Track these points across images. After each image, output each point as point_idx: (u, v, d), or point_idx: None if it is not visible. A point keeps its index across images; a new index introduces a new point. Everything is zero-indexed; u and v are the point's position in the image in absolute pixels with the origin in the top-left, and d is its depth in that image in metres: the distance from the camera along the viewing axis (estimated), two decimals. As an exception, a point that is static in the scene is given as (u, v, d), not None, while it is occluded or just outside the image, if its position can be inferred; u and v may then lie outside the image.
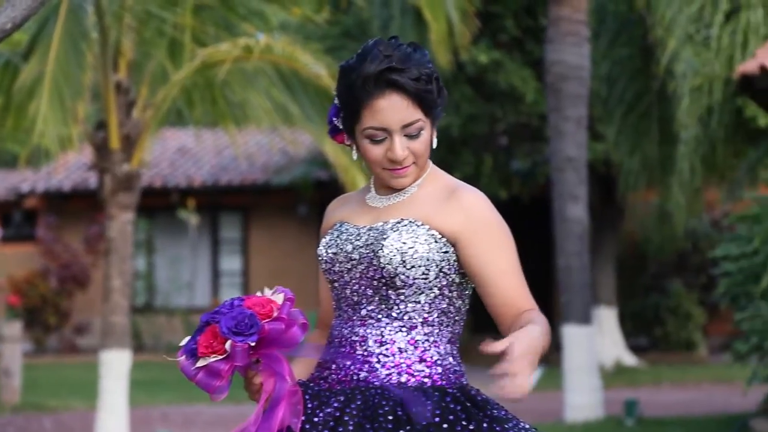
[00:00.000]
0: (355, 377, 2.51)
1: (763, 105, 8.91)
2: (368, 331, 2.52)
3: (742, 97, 9.18)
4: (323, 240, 2.62)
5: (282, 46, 8.28)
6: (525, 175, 16.20)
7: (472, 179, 16.86)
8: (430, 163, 2.62)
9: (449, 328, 2.55)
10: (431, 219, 2.52)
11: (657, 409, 11.23)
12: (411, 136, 2.52)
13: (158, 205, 19.82)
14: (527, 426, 2.47)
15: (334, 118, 2.61)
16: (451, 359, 2.54)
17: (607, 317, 16.25)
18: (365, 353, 2.51)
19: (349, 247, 2.55)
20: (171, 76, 8.30)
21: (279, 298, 2.50)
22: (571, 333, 10.67)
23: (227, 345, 2.43)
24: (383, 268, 2.49)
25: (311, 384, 2.57)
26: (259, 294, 2.53)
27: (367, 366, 2.51)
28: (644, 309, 17.46)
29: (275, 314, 2.47)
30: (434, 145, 2.60)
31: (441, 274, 2.51)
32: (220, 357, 2.44)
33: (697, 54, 10.02)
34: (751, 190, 11.08)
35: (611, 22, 13.02)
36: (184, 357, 2.48)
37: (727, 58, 9.73)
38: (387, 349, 2.51)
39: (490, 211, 2.53)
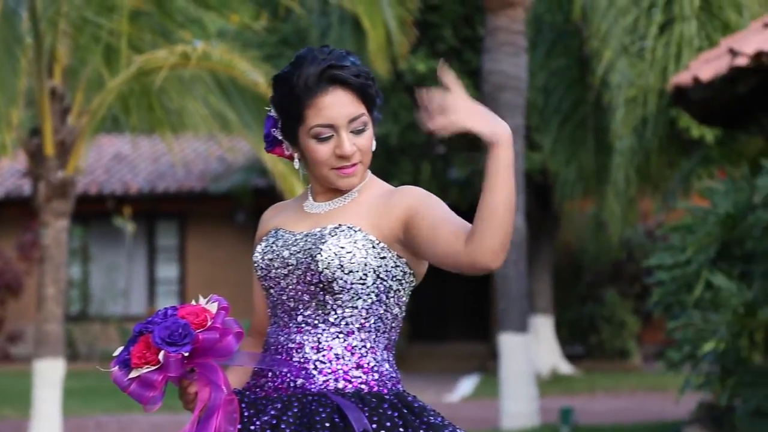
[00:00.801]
0: (291, 384, 2.51)
1: (696, 116, 9.03)
2: (305, 337, 2.52)
3: (676, 108, 9.29)
4: (258, 247, 2.62)
5: (220, 53, 8.25)
6: (463, 183, 16.28)
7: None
8: (369, 171, 2.62)
9: (386, 335, 2.55)
10: (372, 223, 2.52)
11: (592, 417, 11.32)
12: (357, 132, 2.52)
13: (94, 212, 19.63)
14: None
15: (273, 130, 2.59)
16: (387, 366, 2.54)
17: (544, 325, 16.36)
18: (302, 360, 2.51)
19: (286, 253, 2.55)
20: (107, 82, 8.24)
21: (213, 307, 2.49)
22: (508, 341, 10.73)
23: (160, 355, 2.41)
24: (321, 272, 2.49)
25: (247, 392, 2.57)
26: (194, 303, 2.51)
27: (303, 373, 2.50)
28: (580, 317, 17.60)
29: (209, 323, 2.45)
30: (373, 147, 2.60)
31: (378, 279, 2.51)
32: (153, 368, 2.42)
33: (631, 65, 10.13)
34: (684, 200, 11.21)
35: (548, 32, 13.13)
36: (117, 368, 2.46)
37: (661, 70, 9.85)
38: (324, 355, 2.51)
39: (428, 193, 2.54)
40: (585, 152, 12.95)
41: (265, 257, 2.58)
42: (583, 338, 17.71)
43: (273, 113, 2.59)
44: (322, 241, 2.50)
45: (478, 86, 13.56)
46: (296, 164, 2.60)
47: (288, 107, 2.53)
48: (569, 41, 12.90)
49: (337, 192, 2.59)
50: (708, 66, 8.20)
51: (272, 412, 2.48)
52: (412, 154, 17.00)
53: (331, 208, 2.58)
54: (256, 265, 2.61)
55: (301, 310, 2.53)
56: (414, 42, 10.23)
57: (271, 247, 2.58)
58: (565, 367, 16.32)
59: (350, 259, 2.49)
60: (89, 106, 8.41)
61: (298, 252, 2.53)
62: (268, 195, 17.10)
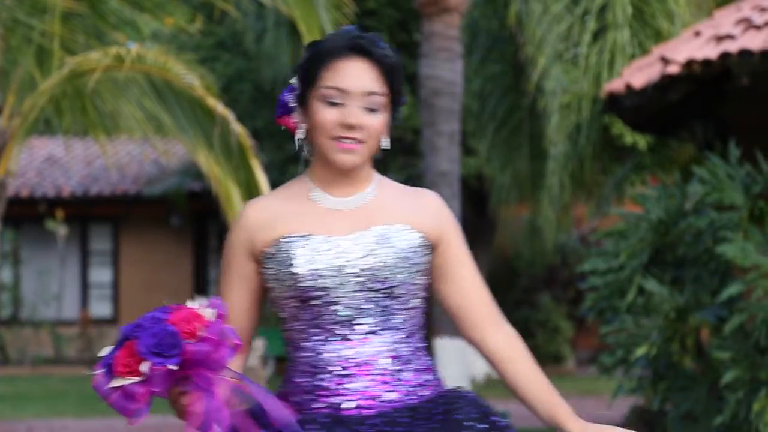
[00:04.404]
0: (377, 399, 2.37)
1: (629, 123, 9.12)
2: (375, 348, 2.38)
3: (609, 115, 9.38)
4: (293, 258, 2.38)
5: (154, 55, 8.18)
6: (398, 188, 16.30)
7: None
8: (373, 170, 2.52)
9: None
10: (416, 222, 2.44)
11: (527, 420, 11.37)
12: (369, 110, 2.39)
13: (25, 215, 19.39)
14: None
15: (287, 95, 2.47)
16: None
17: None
18: (383, 372, 2.38)
19: (341, 261, 2.37)
20: (39, 84, 8.14)
21: (208, 314, 2.27)
22: (444, 345, 10.76)
23: (145, 367, 2.21)
24: (387, 278, 2.38)
25: (312, 413, 2.37)
26: (189, 304, 2.30)
27: (388, 386, 2.37)
28: (515, 322, 17.53)
29: (201, 333, 2.24)
30: (387, 145, 2.48)
31: (423, 278, 2.45)
32: (136, 380, 2.21)
33: (566, 72, 10.21)
34: (617, 206, 11.32)
35: (484, 38, 13.19)
36: (101, 372, 2.26)
37: (595, 77, 9.94)
38: (401, 362, 2.40)
39: (450, 212, 2.54)
40: (520, 158, 13.04)
41: (310, 267, 2.37)
42: (518, 343, 17.81)
43: (293, 81, 2.48)
44: (384, 245, 2.39)
45: (414, 91, 13.59)
46: (300, 134, 2.45)
47: (307, 69, 2.42)
48: (504, 47, 12.98)
49: (349, 185, 2.45)
50: (640, 73, 8.29)
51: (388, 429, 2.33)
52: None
53: (360, 205, 2.44)
54: (298, 276, 2.37)
55: (361, 319, 2.38)
56: (350, 46, 10.21)
57: (313, 255, 2.37)
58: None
59: (411, 261, 2.40)
60: (21, 107, 8.30)
61: (359, 258, 2.38)
62: (204, 198, 17.00)
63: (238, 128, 7.85)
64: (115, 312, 20.36)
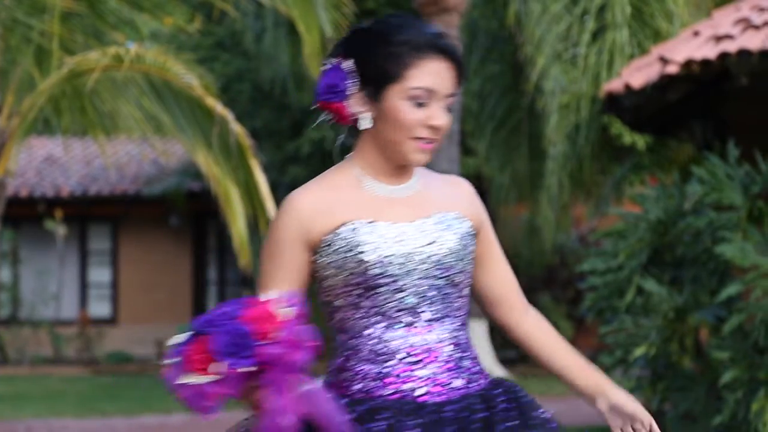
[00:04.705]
0: (446, 385, 2.37)
1: (627, 123, 9.12)
2: (440, 335, 2.38)
3: (608, 115, 9.39)
4: (361, 245, 2.35)
5: (153, 55, 8.18)
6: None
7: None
8: None
9: None
10: (462, 211, 2.47)
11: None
12: (446, 110, 2.41)
13: (24, 215, 19.39)
14: None
15: (346, 82, 2.41)
16: None
17: (478, 330, 16.43)
18: (448, 359, 2.39)
19: (408, 248, 2.37)
20: (38, 84, 8.14)
21: (285, 313, 2.17)
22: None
23: (218, 367, 2.12)
24: (451, 265, 2.39)
25: (384, 401, 2.35)
26: (264, 298, 2.21)
27: (453, 372, 2.39)
28: (513, 322, 17.69)
29: (277, 335, 2.15)
30: None
31: (472, 266, 2.48)
32: (209, 379, 2.12)
33: (565, 72, 10.22)
34: (616, 206, 11.33)
35: (483, 38, 13.20)
36: (171, 364, 2.16)
37: (594, 77, 9.95)
38: (461, 350, 2.41)
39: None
40: (519, 158, 13.05)
41: (380, 254, 2.35)
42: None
43: (346, 65, 2.42)
44: (448, 231, 2.41)
45: (413, 91, 13.59)
46: (366, 124, 2.42)
47: (382, 62, 2.37)
48: (504, 47, 12.98)
49: (400, 175, 2.44)
50: (639, 73, 8.29)
51: (458, 416, 2.33)
52: (348, 158, 16.98)
53: (412, 193, 2.44)
54: (368, 264, 2.34)
55: (425, 306, 2.38)
56: (349, 46, 10.21)
57: (381, 242, 2.36)
58: (499, 372, 16.41)
59: (468, 249, 2.43)
60: (20, 107, 8.30)
61: (426, 245, 2.38)
62: (202, 198, 17.00)
63: (237, 128, 7.85)
64: (114, 312, 20.35)
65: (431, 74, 2.37)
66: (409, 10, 15.33)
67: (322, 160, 16.98)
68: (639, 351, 7.17)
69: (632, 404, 2.54)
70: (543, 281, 17.92)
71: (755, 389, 6.64)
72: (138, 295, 20.16)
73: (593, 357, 12.20)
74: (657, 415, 7.86)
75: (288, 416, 2.17)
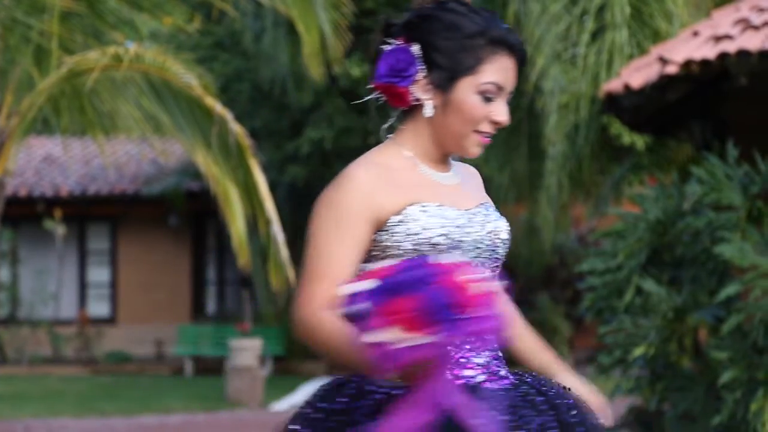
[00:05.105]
0: (496, 374, 2.37)
1: (627, 123, 9.12)
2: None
3: (608, 115, 9.38)
4: (431, 228, 2.29)
5: (152, 55, 8.18)
6: (396, 188, 16.30)
7: (344, 192, 16.88)
8: None
9: None
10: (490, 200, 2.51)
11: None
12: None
13: (23, 214, 19.39)
14: None
15: (414, 67, 2.36)
16: None
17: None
18: (493, 348, 2.39)
19: (475, 235, 2.36)
20: (37, 83, 8.14)
21: (484, 287, 2.02)
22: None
23: (430, 329, 1.93)
24: (501, 255, 2.43)
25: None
26: (443, 261, 2.06)
27: (499, 362, 2.40)
28: (512, 322, 17.70)
29: (477, 312, 1.99)
30: None
31: None
32: (420, 340, 1.92)
33: (564, 72, 10.21)
34: (615, 206, 11.33)
35: (482, 38, 13.18)
36: (357, 313, 1.99)
37: (593, 77, 9.94)
38: (497, 342, 2.42)
39: None
40: (518, 158, 13.04)
41: (451, 238, 2.31)
42: (516, 343, 17.82)
43: (415, 49, 2.38)
44: (499, 220, 2.43)
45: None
46: (429, 112, 2.37)
47: (457, 53, 2.35)
48: (503, 47, 12.96)
49: (445, 163, 2.43)
50: (638, 73, 8.29)
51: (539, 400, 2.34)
52: (347, 158, 16.95)
53: (458, 181, 2.44)
54: (439, 247, 2.28)
55: None
56: (348, 46, 10.24)
57: (450, 227, 2.31)
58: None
59: (509, 238, 2.46)
60: (19, 107, 8.30)
61: (489, 232, 2.39)
62: (201, 198, 16.99)
63: (236, 128, 7.85)
64: (113, 311, 20.35)
65: (501, 70, 2.38)
66: (408, 10, 15.34)
67: (321, 159, 16.98)
68: (638, 351, 7.17)
69: (583, 389, 2.53)
70: (542, 281, 17.92)
71: (754, 389, 6.65)
72: (137, 295, 20.16)
73: (592, 357, 12.16)
74: (656, 416, 7.86)
75: (448, 398, 2.05)
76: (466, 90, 2.36)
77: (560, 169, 10.35)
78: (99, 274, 20.45)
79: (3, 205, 8.70)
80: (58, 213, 19.11)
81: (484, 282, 2.06)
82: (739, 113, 8.62)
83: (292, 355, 17.98)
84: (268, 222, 7.85)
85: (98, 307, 20.33)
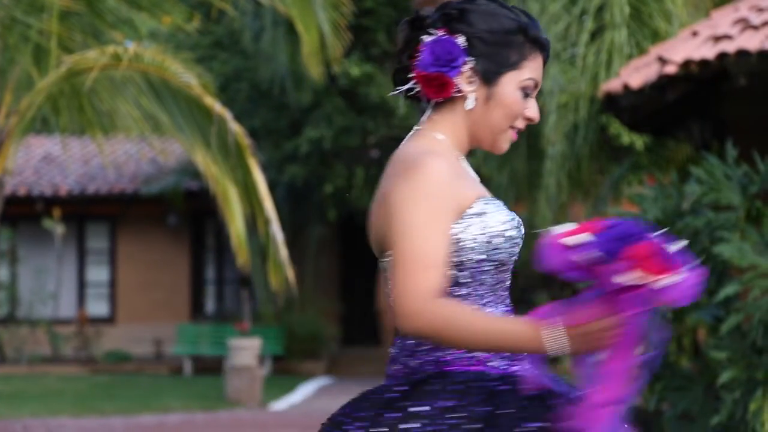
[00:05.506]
0: (515, 368, 2.46)
1: (626, 123, 9.13)
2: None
3: (607, 114, 9.39)
4: (504, 221, 2.33)
5: (151, 54, 8.18)
6: (396, 188, 16.32)
7: (344, 191, 16.90)
8: None
9: None
10: None
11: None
12: None
13: (22, 213, 19.39)
14: None
15: (462, 58, 2.35)
16: None
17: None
18: None
19: (521, 229, 2.41)
20: (36, 82, 8.14)
21: (670, 247, 2.00)
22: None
23: (672, 273, 1.92)
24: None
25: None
26: (619, 218, 2.06)
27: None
28: (511, 321, 17.70)
29: (669, 278, 1.97)
30: None
31: None
32: (676, 279, 1.92)
33: (563, 71, 10.22)
34: (614, 206, 11.32)
35: (481, 38, 13.19)
36: (590, 259, 1.96)
37: (592, 77, 9.94)
38: None
39: None
40: (517, 157, 13.04)
41: (521, 233, 2.39)
42: (515, 342, 17.83)
43: (461, 41, 2.36)
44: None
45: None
46: (471, 104, 2.37)
47: (504, 48, 2.37)
48: (502, 47, 12.97)
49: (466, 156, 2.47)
50: (638, 73, 8.29)
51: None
52: (346, 158, 16.99)
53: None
54: (514, 240, 2.35)
55: (505, 288, 2.46)
56: (348, 46, 10.24)
57: (513, 222, 2.37)
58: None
59: None
60: (18, 106, 8.30)
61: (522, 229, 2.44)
62: (200, 197, 16.99)
63: (235, 127, 7.85)
64: (112, 311, 20.35)
65: (537, 68, 2.42)
66: (408, 10, 15.34)
67: (320, 159, 16.98)
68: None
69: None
70: (541, 281, 17.93)
71: (753, 389, 6.65)
72: (136, 294, 20.15)
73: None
74: (655, 415, 7.86)
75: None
76: (510, 84, 2.38)
77: (559, 169, 10.35)
78: (98, 273, 20.44)
79: (2, 204, 8.70)
80: (57, 212, 19.11)
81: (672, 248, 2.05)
82: (738, 113, 8.63)
83: (291, 354, 17.98)
84: (267, 221, 7.86)
85: (97, 307, 20.32)
